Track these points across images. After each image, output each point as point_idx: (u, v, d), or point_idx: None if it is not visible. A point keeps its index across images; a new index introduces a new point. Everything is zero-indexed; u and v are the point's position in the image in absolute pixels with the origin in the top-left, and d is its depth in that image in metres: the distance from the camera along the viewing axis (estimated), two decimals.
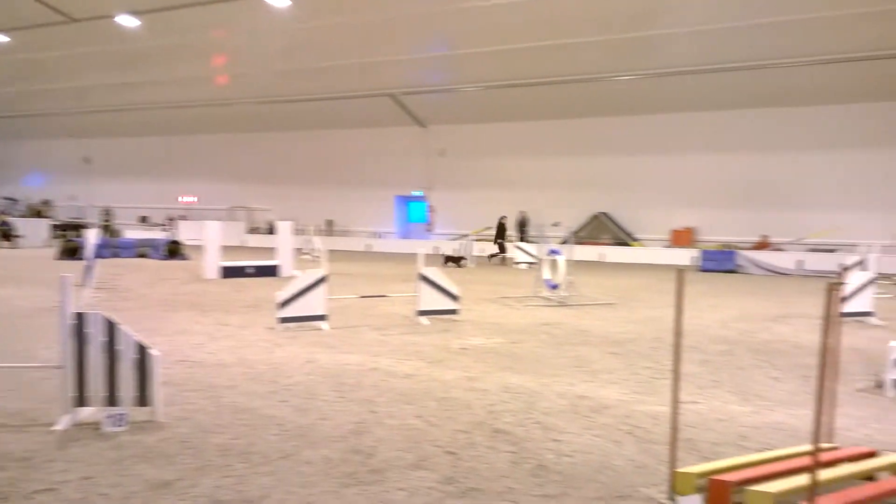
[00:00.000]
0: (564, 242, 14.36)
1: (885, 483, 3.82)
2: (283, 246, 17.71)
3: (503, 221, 24.72)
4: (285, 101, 31.60)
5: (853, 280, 11.30)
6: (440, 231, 31.97)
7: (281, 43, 27.33)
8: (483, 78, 27.20)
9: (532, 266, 19.36)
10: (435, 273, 10.34)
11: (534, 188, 29.36)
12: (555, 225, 22.12)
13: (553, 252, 13.56)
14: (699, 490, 3.76)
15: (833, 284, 2.90)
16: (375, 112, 31.25)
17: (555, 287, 13.17)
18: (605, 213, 28.16)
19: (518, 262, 22.53)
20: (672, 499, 3.80)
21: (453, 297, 10.50)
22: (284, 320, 9.26)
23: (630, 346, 8.84)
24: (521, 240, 26.18)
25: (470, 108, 29.49)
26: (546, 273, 13.56)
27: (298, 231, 22.63)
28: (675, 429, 3.90)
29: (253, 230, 35.91)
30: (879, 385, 6.70)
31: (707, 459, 4.44)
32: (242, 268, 16.86)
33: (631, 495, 4.04)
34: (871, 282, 11.26)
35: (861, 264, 14.53)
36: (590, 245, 27.36)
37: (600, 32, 22.96)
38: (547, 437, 5.06)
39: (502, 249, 24.03)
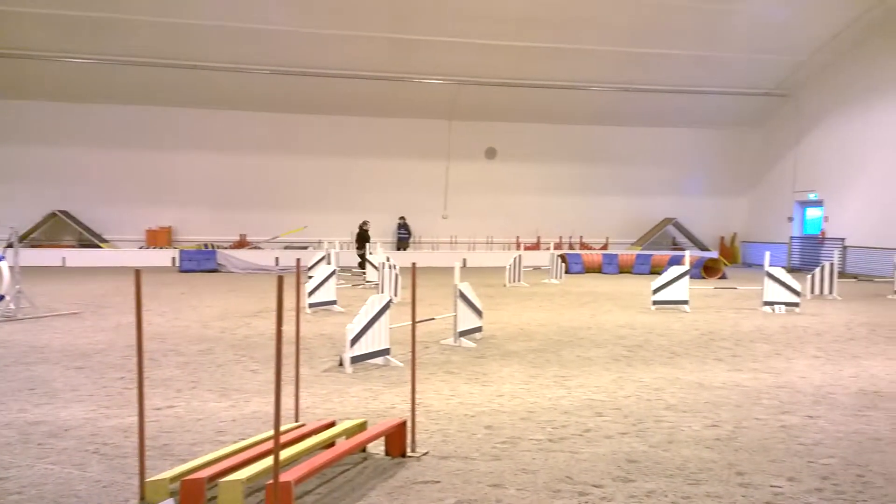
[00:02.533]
0: (10, 246, 12.47)
1: (341, 446, 4.51)
2: None
3: (365, 228, 20.75)
4: None
5: (319, 273, 12.93)
6: None
7: None
8: None
9: None
10: None
11: None
12: None
13: None
14: (173, 494, 3.76)
15: (281, 278, 3.25)
16: None
17: None
18: (64, 212, 25.47)
19: None
20: None
21: None
22: None
23: (99, 357, 8.26)
24: None
25: None
26: None
27: None
28: (142, 438, 3.81)
29: None
30: (341, 364, 7.86)
31: (184, 462, 4.47)
32: None
33: None
34: (333, 274, 13.08)
35: (326, 259, 16.75)
36: (47, 248, 24.44)
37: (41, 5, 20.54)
38: None
39: (363, 261, 20.53)
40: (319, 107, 26.28)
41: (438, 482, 4.39)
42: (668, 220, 28.40)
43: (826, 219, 24.87)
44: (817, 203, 25.64)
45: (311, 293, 12.47)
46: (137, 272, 3.76)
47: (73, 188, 25.51)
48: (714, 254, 26.34)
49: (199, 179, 26.43)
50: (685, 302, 13.22)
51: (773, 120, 28.16)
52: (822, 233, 24.71)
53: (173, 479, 3.84)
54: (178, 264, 23.05)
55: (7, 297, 11.34)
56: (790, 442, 5.27)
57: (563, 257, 22.24)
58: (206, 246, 25.48)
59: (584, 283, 19.79)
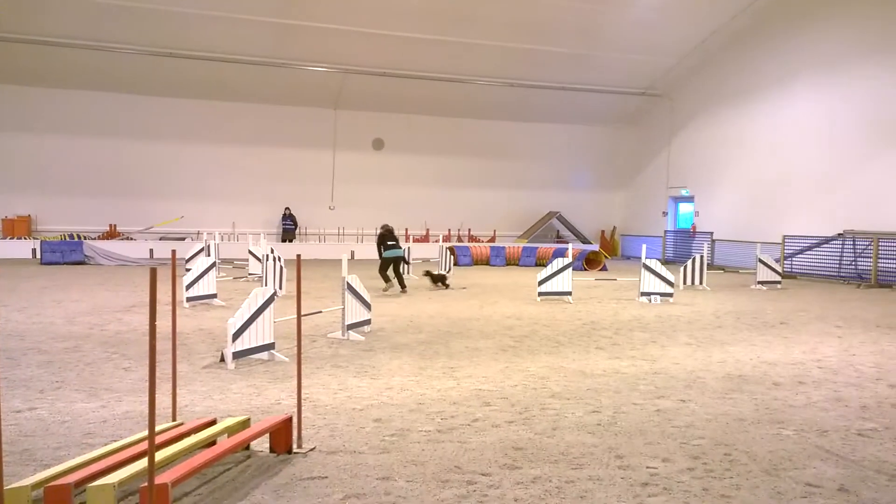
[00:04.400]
0: None
1: (223, 444, 4.35)
2: None
3: (386, 230, 15.31)
4: None
5: (197, 265, 12.41)
6: None
7: None
8: None
9: None
10: None
11: None
12: None
13: None
14: (35, 502, 3.51)
15: (154, 270, 3.08)
16: None
17: None
18: None
19: None
20: None
21: None
22: None
23: None
24: None
25: None
26: None
27: None
28: None
29: None
30: (223, 359, 7.59)
31: (48, 467, 4.17)
32: None
33: None
34: (213, 266, 12.59)
35: (205, 250, 16.10)
36: None
37: None
38: None
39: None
40: (198, 91, 25.15)
41: (326, 478, 4.34)
42: (552, 214, 29.36)
43: (697, 214, 26.57)
44: (689, 198, 27.35)
45: (188, 286, 11.97)
46: None
47: None
48: (595, 247, 27.54)
49: (62, 165, 24.61)
50: (569, 293, 13.74)
51: (649, 118, 29.73)
52: (693, 227, 26.39)
53: (35, 486, 3.57)
54: (39, 256, 21.42)
55: None
56: (665, 425, 5.59)
57: (451, 250, 22.52)
58: (71, 236, 23.81)
59: (473, 275, 20.13)
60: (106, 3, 20.33)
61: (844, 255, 19.46)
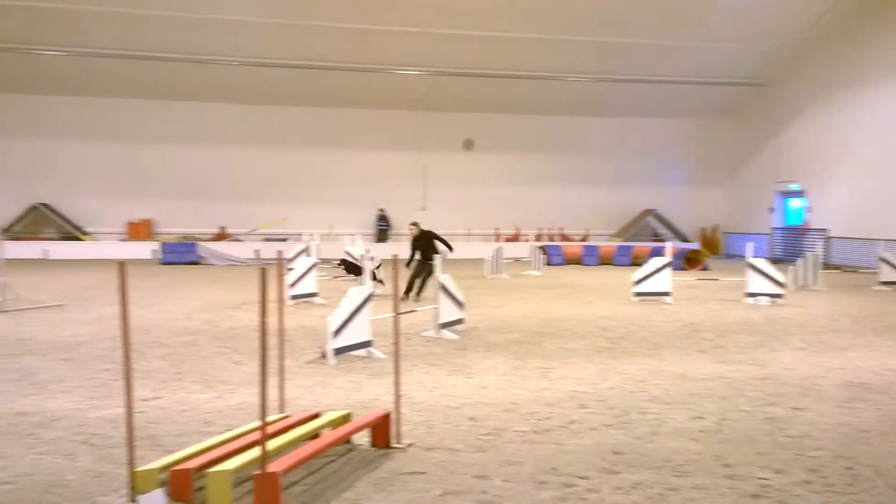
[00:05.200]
0: None
1: (326, 437, 4.56)
2: None
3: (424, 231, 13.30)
4: None
5: (299, 265, 12.91)
6: None
7: None
8: None
9: None
10: None
11: None
12: None
13: None
14: (162, 484, 3.80)
15: (264, 269, 3.28)
16: None
17: None
18: (45, 205, 25.26)
19: None
20: (133, 499, 3.75)
21: None
22: None
23: (83, 349, 8.25)
24: None
25: None
26: None
27: None
28: (130, 428, 3.83)
29: None
30: (324, 355, 7.89)
31: (171, 452, 4.50)
32: None
33: None
34: (313, 266, 13.06)
35: (306, 251, 16.70)
36: (29, 241, 24.21)
37: None
38: None
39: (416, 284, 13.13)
40: (295, 98, 26.15)
41: (424, 473, 4.45)
42: (647, 212, 28.57)
43: (809, 209, 25.11)
44: (799, 193, 25.87)
45: (292, 285, 12.48)
46: (122, 264, 3.78)
47: (55, 181, 25.34)
48: (695, 245, 26.59)
49: (177, 172, 26.27)
50: (667, 293, 13.36)
51: (748, 109, 28.30)
52: (805, 223, 24.96)
53: (162, 470, 3.88)
54: (159, 257, 22.92)
55: None
56: (776, 434, 5.32)
57: (543, 249, 22.34)
58: (186, 238, 25.35)
59: (565, 274, 19.90)
60: (211, 18, 21.41)
61: None
